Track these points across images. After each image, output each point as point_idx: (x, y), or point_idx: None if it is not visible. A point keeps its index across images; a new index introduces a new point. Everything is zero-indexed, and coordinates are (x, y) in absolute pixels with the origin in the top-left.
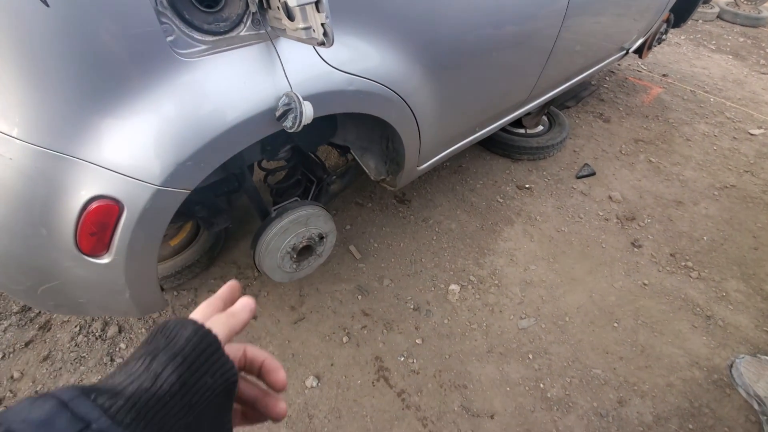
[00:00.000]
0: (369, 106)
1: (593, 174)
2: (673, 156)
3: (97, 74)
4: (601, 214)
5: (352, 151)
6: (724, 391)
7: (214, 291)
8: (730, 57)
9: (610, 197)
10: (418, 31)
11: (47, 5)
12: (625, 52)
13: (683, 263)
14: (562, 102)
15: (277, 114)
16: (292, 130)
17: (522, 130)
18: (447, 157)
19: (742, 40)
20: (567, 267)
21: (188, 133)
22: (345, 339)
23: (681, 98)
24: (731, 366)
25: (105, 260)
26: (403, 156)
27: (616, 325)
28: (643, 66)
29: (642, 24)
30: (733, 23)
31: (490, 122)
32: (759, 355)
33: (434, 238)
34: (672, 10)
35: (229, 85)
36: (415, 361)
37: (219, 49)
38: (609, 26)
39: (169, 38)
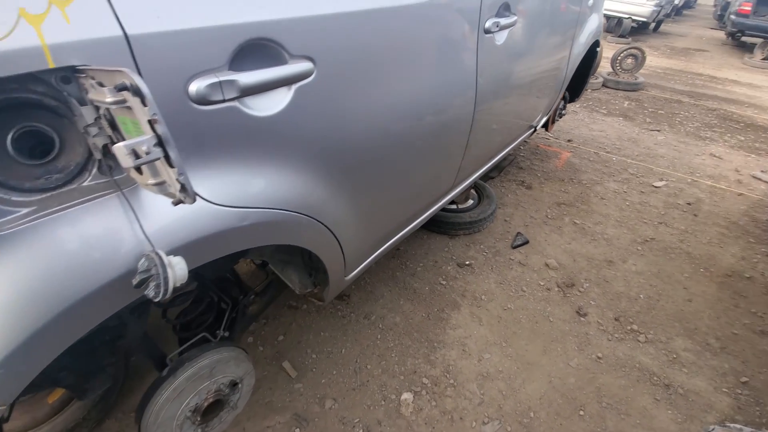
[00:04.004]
0: (274, 237)
1: (527, 242)
2: (594, 216)
3: None
4: (542, 284)
5: (270, 265)
6: None
7: None
8: (621, 119)
9: (546, 264)
10: (320, 145)
11: None
12: (533, 129)
13: (629, 327)
14: (486, 174)
15: (134, 282)
16: (158, 299)
17: (454, 206)
18: (378, 257)
19: (627, 103)
20: (520, 350)
21: None
22: None
23: (588, 160)
24: None
25: None
26: (326, 271)
27: (582, 413)
28: (550, 134)
29: (545, 102)
30: (617, 89)
31: (420, 213)
32: (728, 424)
33: (378, 336)
34: (567, 89)
35: (65, 257)
36: None
37: (53, 209)
38: (517, 108)
39: None
